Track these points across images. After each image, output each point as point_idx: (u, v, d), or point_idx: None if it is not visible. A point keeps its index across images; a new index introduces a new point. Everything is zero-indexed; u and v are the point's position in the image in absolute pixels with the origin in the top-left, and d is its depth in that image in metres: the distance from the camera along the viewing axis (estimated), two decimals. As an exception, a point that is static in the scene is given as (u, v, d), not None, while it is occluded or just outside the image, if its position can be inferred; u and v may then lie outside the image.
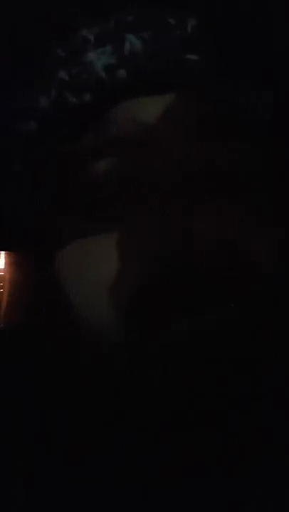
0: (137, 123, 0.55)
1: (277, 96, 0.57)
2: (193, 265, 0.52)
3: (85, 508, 0.54)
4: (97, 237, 0.55)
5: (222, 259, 0.53)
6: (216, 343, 0.53)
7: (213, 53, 0.56)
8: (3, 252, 0.61)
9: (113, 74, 0.55)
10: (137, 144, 0.55)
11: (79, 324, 0.55)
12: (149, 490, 0.53)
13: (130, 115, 0.55)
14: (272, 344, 0.54)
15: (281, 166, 0.57)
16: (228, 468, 0.53)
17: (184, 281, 0.52)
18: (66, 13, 0.58)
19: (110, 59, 0.55)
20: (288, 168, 0.57)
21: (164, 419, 0.53)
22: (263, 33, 0.57)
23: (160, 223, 0.54)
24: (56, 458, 0.55)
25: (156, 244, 0.53)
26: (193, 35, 0.56)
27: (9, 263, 0.61)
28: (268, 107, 0.56)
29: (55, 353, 0.56)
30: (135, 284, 0.53)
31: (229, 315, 0.53)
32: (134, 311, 0.53)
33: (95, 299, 0.54)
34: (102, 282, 0.54)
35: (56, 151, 0.57)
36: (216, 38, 0.56)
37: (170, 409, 0.53)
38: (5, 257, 0.61)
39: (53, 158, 0.57)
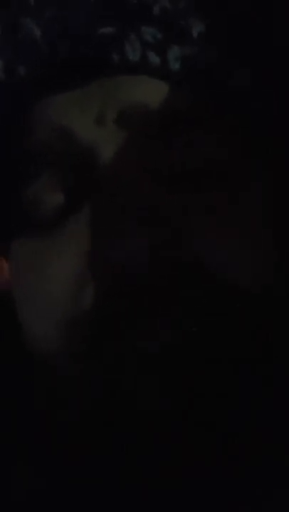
0: (61, 130, 0.48)
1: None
2: (174, 260, 0.51)
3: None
4: (49, 251, 0.52)
5: (204, 251, 0.51)
6: (205, 333, 0.52)
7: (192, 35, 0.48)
8: None
9: (11, 73, 0.48)
10: (68, 154, 0.50)
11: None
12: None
13: (51, 121, 0.49)
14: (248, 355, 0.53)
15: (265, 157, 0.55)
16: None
17: (169, 270, 0.51)
18: None
19: (7, 54, 0.47)
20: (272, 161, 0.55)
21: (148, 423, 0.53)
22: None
23: (144, 215, 0.50)
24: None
25: (142, 235, 0.49)
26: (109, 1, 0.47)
27: None
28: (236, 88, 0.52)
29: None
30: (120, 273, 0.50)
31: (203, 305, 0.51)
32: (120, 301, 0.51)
33: (41, 313, 0.53)
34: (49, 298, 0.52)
35: None
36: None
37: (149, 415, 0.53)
38: None
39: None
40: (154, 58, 0.46)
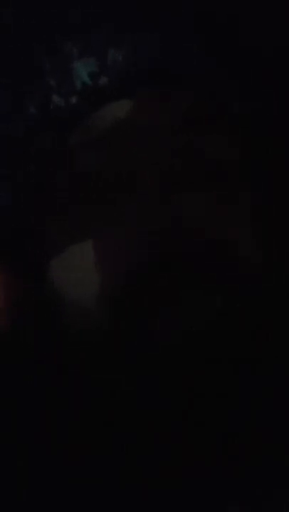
0: (116, 121, 0.59)
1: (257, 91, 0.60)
2: (180, 254, 0.53)
3: (85, 508, 0.54)
4: (84, 231, 0.56)
5: (205, 249, 0.54)
6: (205, 333, 0.53)
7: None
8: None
9: (96, 80, 0.62)
10: (120, 140, 0.58)
11: (66, 318, 0.56)
12: (149, 490, 0.53)
13: (113, 115, 0.59)
14: (258, 335, 0.54)
15: (264, 157, 0.58)
16: (228, 468, 0.53)
17: (170, 269, 0.53)
18: (53, 27, 0.64)
19: (94, 68, 0.63)
20: (271, 160, 0.58)
21: (159, 410, 0.53)
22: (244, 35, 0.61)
23: (148, 214, 0.55)
24: (56, 458, 0.55)
25: (144, 234, 0.54)
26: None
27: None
28: (249, 100, 0.60)
29: (48, 349, 0.56)
30: (123, 273, 0.54)
31: (215, 304, 0.53)
32: (123, 299, 0.54)
33: (83, 292, 0.55)
34: (90, 275, 0.55)
35: (45, 150, 0.61)
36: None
37: (162, 400, 0.54)
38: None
39: (42, 159, 0.61)
40: None
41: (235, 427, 0.53)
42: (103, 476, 0.54)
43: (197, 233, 0.54)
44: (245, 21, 0.60)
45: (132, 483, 0.53)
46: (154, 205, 0.55)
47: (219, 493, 0.53)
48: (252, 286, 0.54)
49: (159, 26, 0.62)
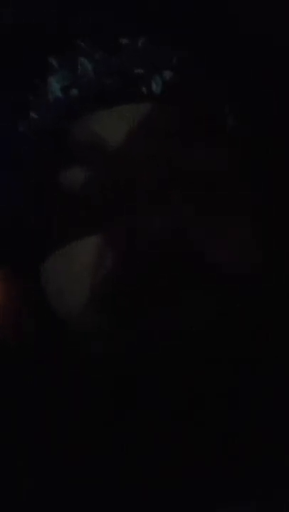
0: (94, 136, 0.59)
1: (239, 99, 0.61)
2: (179, 254, 0.54)
3: (85, 508, 0.53)
4: (77, 241, 0.57)
5: (205, 249, 0.54)
6: (205, 333, 0.53)
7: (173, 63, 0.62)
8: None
9: (67, 93, 0.62)
10: (99, 154, 0.58)
11: (66, 320, 0.56)
12: (149, 490, 0.53)
13: (88, 129, 0.60)
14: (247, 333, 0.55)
15: (247, 167, 0.59)
16: (227, 468, 0.53)
17: (170, 270, 0.54)
18: (36, 41, 0.65)
19: (66, 81, 0.63)
20: (255, 169, 0.59)
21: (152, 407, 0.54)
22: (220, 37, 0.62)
23: (147, 214, 0.55)
24: (56, 458, 0.55)
25: (143, 234, 0.55)
26: (144, 50, 0.62)
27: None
28: (227, 111, 0.61)
29: (48, 350, 0.57)
30: (123, 273, 0.54)
31: (215, 304, 0.54)
32: (122, 300, 0.54)
33: (80, 291, 0.56)
34: (86, 275, 0.56)
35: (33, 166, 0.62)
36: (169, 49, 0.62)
37: (154, 399, 0.54)
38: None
39: (31, 172, 0.62)
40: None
41: (235, 426, 0.53)
42: (103, 476, 0.53)
43: (196, 233, 0.54)
44: (240, 23, 0.61)
45: (132, 483, 0.53)
46: (153, 205, 0.55)
47: (219, 492, 0.52)
48: (252, 286, 0.54)
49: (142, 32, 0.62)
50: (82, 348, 0.55)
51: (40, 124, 0.62)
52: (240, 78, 0.61)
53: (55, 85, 0.63)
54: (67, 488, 0.54)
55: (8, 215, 0.62)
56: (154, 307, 0.53)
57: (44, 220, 0.60)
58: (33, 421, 0.55)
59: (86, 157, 0.59)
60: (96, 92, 0.61)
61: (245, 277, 0.54)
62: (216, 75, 0.61)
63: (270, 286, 0.55)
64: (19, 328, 0.58)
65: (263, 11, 0.61)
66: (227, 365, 0.53)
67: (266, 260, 0.56)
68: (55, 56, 0.63)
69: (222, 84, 0.61)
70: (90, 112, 0.61)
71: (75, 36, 0.63)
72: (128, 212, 0.56)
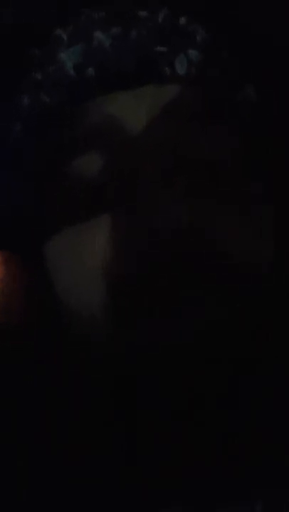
0: (111, 118, 0.55)
1: (257, 86, 0.58)
2: (180, 255, 0.52)
3: (85, 508, 0.53)
4: (84, 230, 0.55)
5: (206, 249, 0.53)
6: (206, 333, 0.52)
7: (196, 43, 0.57)
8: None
9: (82, 72, 0.56)
10: (115, 140, 0.55)
11: (68, 318, 0.55)
12: (149, 490, 0.53)
13: (103, 111, 0.56)
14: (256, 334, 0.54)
15: (264, 157, 0.57)
16: (227, 468, 0.53)
17: (171, 270, 0.52)
18: (42, 12, 0.60)
19: (80, 57, 0.56)
20: (270, 160, 0.57)
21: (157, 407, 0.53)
22: (240, 24, 0.58)
23: (146, 213, 0.53)
24: (56, 458, 0.54)
25: (143, 234, 0.53)
26: (165, 25, 0.57)
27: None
28: (247, 98, 0.57)
29: (48, 348, 0.56)
30: (123, 272, 0.53)
31: (216, 305, 0.53)
32: (122, 299, 0.53)
33: (83, 289, 0.54)
34: (90, 273, 0.54)
35: (39, 149, 0.58)
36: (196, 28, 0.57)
37: (161, 399, 0.53)
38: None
39: (36, 156, 0.58)
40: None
41: (235, 426, 0.53)
42: (103, 476, 0.53)
43: (197, 234, 0.53)
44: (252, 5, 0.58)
45: (131, 483, 0.53)
46: (154, 205, 0.53)
47: (219, 492, 0.53)
48: (253, 286, 0.53)
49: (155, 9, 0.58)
50: (82, 347, 0.55)
51: (51, 106, 0.57)
52: (264, 61, 0.57)
53: (67, 63, 0.57)
54: (67, 488, 0.54)
55: (11, 201, 0.59)
56: (153, 307, 0.52)
57: (48, 207, 0.57)
58: (33, 421, 0.55)
59: (101, 142, 0.55)
60: (115, 72, 0.56)
61: (252, 270, 0.53)
62: (240, 57, 0.57)
63: (271, 287, 0.54)
64: (22, 312, 0.57)
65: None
66: (227, 365, 0.53)
67: (276, 253, 0.55)
68: (64, 28, 0.58)
69: (246, 66, 0.57)
70: (106, 94, 0.56)
71: (86, 4, 0.57)
72: (140, 202, 0.53)
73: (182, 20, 0.57)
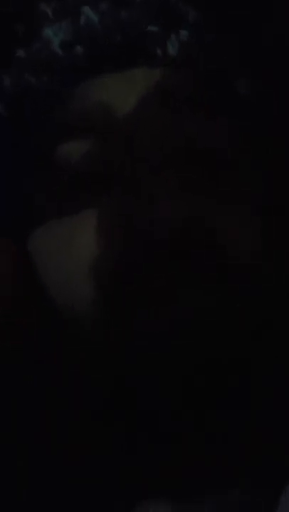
0: (100, 104, 0.52)
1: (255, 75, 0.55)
2: (176, 253, 0.50)
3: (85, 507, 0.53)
4: (72, 218, 0.53)
5: (203, 248, 0.51)
6: (195, 322, 0.51)
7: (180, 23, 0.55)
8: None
9: (69, 51, 0.53)
10: (104, 126, 0.52)
11: (55, 308, 0.53)
12: (148, 490, 0.52)
13: (93, 96, 0.52)
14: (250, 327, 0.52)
15: (261, 144, 0.55)
16: (227, 467, 0.52)
17: (167, 268, 0.50)
18: None
19: (67, 35, 0.54)
20: (268, 148, 0.55)
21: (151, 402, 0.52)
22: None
23: (135, 202, 0.51)
24: (56, 458, 0.53)
25: (132, 223, 0.51)
26: (157, 4, 0.54)
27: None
28: (242, 84, 0.55)
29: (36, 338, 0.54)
30: (113, 262, 0.51)
31: (214, 304, 0.51)
32: (113, 289, 0.51)
33: (72, 280, 0.52)
34: (79, 263, 0.52)
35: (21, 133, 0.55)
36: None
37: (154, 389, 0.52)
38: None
39: (23, 141, 0.55)
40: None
41: (234, 427, 0.52)
42: (103, 476, 0.52)
43: (194, 232, 0.51)
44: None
45: (131, 483, 0.52)
46: (147, 201, 0.51)
47: (219, 491, 0.52)
48: (251, 285, 0.52)
49: None
50: (79, 348, 0.53)
51: (37, 88, 0.54)
52: (255, 43, 0.54)
53: (53, 39, 0.53)
54: (66, 487, 0.53)
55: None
56: (151, 307, 0.51)
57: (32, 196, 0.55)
58: (33, 421, 0.53)
59: (89, 129, 0.52)
60: (104, 51, 0.53)
61: (244, 277, 0.52)
62: (230, 39, 0.54)
63: (270, 286, 0.52)
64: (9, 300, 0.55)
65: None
66: (226, 365, 0.52)
67: (267, 259, 0.53)
68: (48, 2, 0.54)
69: (236, 48, 0.54)
70: (95, 75, 0.52)
71: None
72: (131, 193, 0.51)
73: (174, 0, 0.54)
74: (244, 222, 0.52)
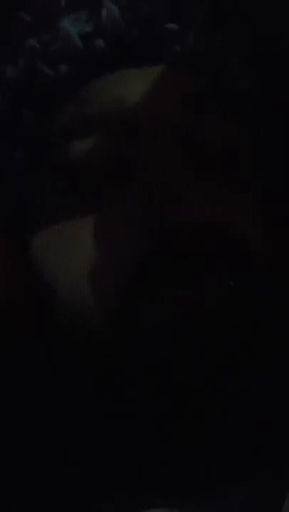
0: (119, 100, 0.52)
1: (264, 73, 0.55)
2: (183, 243, 0.50)
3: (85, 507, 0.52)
4: (80, 217, 0.52)
5: (209, 237, 0.50)
6: (209, 326, 0.50)
7: (198, 21, 0.54)
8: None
9: (90, 43, 0.52)
10: (120, 123, 0.51)
11: (60, 308, 0.52)
12: (149, 490, 0.51)
13: (110, 91, 0.52)
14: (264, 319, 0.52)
15: (269, 143, 0.55)
16: (227, 465, 0.51)
17: (173, 259, 0.50)
18: None
19: (86, 26, 0.52)
20: (275, 147, 0.55)
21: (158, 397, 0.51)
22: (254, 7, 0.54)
23: (147, 202, 0.50)
24: (56, 458, 0.52)
25: (143, 223, 0.50)
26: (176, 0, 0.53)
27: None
28: (255, 82, 0.55)
29: (35, 338, 0.53)
30: (123, 265, 0.51)
31: (223, 292, 0.50)
32: (125, 291, 0.50)
33: (79, 281, 0.51)
34: (86, 264, 0.51)
35: (30, 129, 0.54)
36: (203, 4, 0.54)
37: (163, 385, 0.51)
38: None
39: (28, 138, 0.54)
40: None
41: (234, 423, 0.51)
42: (102, 472, 0.51)
43: (202, 224, 0.50)
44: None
45: (131, 482, 0.51)
46: (157, 193, 0.51)
47: (218, 490, 0.51)
48: (260, 275, 0.51)
49: None
50: (80, 344, 0.52)
51: (54, 79, 0.52)
52: (259, 39, 0.54)
53: (71, 30, 0.52)
54: (66, 486, 0.52)
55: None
56: (149, 307, 0.50)
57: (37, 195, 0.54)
58: (32, 421, 0.53)
59: (104, 127, 0.51)
60: (125, 45, 0.51)
61: (254, 267, 0.51)
62: (237, 35, 0.54)
63: (279, 276, 0.52)
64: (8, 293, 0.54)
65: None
66: (231, 358, 0.51)
67: (276, 250, 0.52)
68: None
69: (241, 46, 0.54)
70: (115, 70, 0.52)
71: None
72: (151, 191, 0.50)
73: None
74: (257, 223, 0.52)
